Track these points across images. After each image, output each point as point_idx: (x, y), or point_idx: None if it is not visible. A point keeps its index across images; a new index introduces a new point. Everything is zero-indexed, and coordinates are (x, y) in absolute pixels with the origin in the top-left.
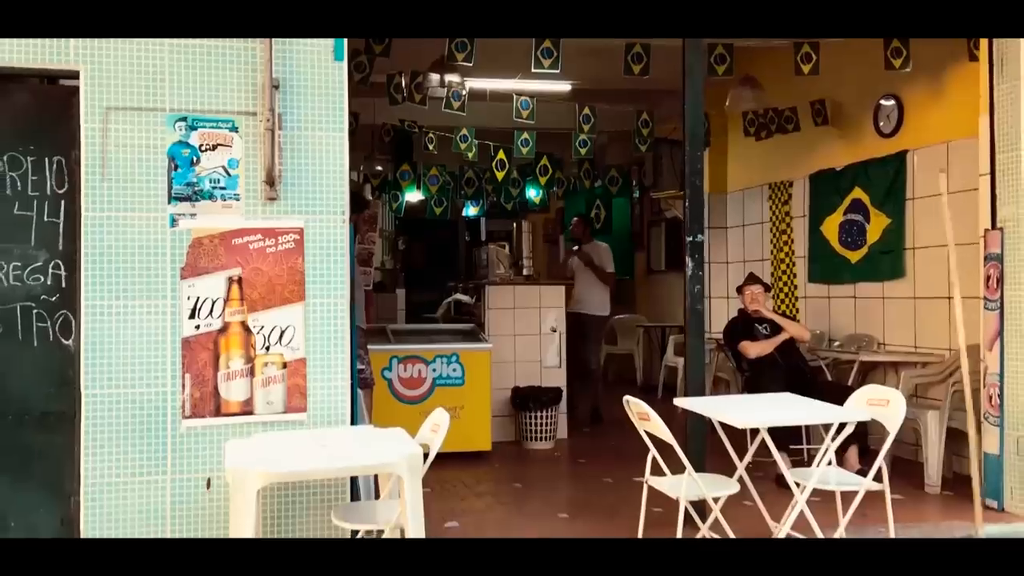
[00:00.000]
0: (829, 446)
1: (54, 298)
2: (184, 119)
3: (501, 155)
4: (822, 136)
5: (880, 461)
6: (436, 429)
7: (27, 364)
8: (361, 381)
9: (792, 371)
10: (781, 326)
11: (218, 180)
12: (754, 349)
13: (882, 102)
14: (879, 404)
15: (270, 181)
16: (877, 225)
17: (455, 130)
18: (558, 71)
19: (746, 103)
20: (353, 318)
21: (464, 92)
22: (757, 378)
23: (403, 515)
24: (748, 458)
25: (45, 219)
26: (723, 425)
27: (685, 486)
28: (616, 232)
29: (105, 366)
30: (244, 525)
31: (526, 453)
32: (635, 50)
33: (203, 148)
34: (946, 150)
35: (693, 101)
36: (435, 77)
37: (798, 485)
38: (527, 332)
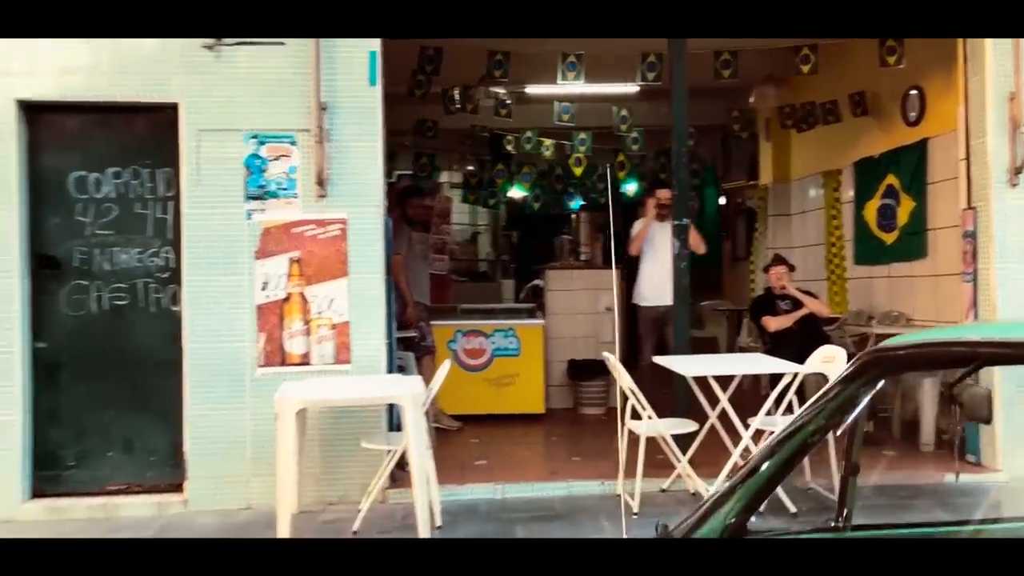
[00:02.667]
0: (771, 394)
1: (165, 275)
2: (255, 136)
3: (578, 152)
4: (866, 126)
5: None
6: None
7: (147, 325)
8: (422, 348)
9: (808, 342)
10: (802, 302)
11: (281, 183)
12: (773, 323)
13: (909, 92)
14: (828, 360)
15: (320, 182)
16: (905, 208)
17: (521, 131)
18: (581, 81)
19: (769, 100)
20: (391, 291)
21: (509, 101)
22: (775, 348)
23: (407, 438)
24: (721, 406)
25: (157, 216)
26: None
27: (645, 426)
28: (707, 221)
29: (202, 326)
30: (287, 440)
31: (578, 417)
32: (723, 56)
33: (270, 158)
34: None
35: (679, 100)
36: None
37: (746, 426)
38: (584, 311)
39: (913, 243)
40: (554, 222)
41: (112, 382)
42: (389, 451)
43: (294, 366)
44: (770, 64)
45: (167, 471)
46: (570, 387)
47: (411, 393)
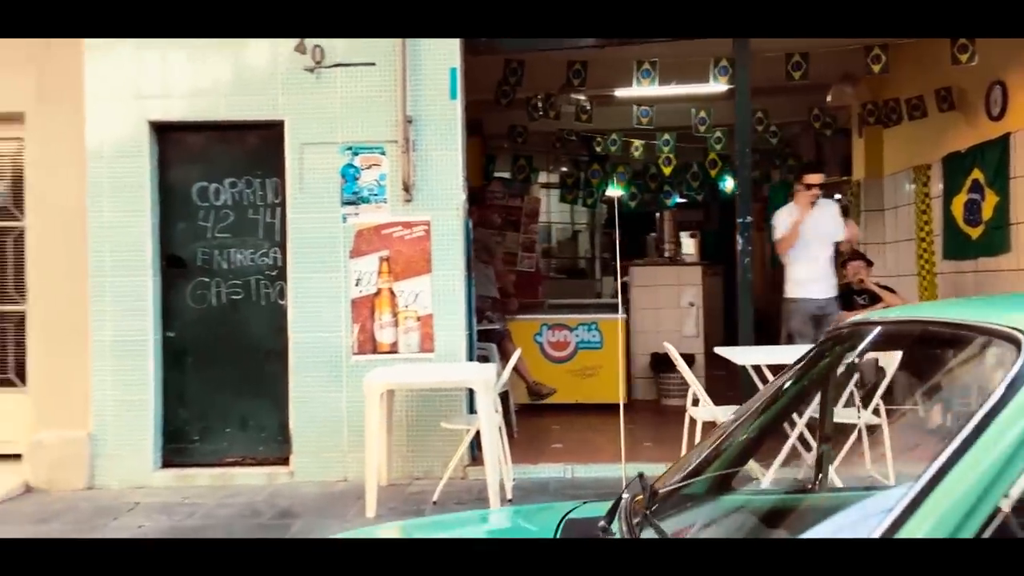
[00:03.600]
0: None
1: (273, 273)
2: (350, 148)
3: (663, 153)
4: (953, 120)
5: (877, 399)
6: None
7: (259, 317)
8: (495, 333)
9: None
10: (880, 297)
11: (373, 189)
12: (849, 318)
13: (992, 86)
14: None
15: (406, 188)
16: (990, 203)
17: (607, 133)
18: (655, 85)
19: (847, 98)
20: (471, 286)
21: (589, 107)
22: None
23: (479, 419)
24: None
25: (267, 220)
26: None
27: (702, 412)
28: None
29: (304, 318)
30: (373, 419)
31: (659, 408)
32: (794, 59)
33: (363, 167)
34: None
35: (742, 102)
36: (569, 96)
37: (800, 414)
38: (668, 306)
39: (997, 237)
40: (651, 220)
41: (229, 367)
42: (467, 430)
43: (384, 354)
44: (843, 63)
45: (276, 446)
46: (653, 379)
47: (482, 378)
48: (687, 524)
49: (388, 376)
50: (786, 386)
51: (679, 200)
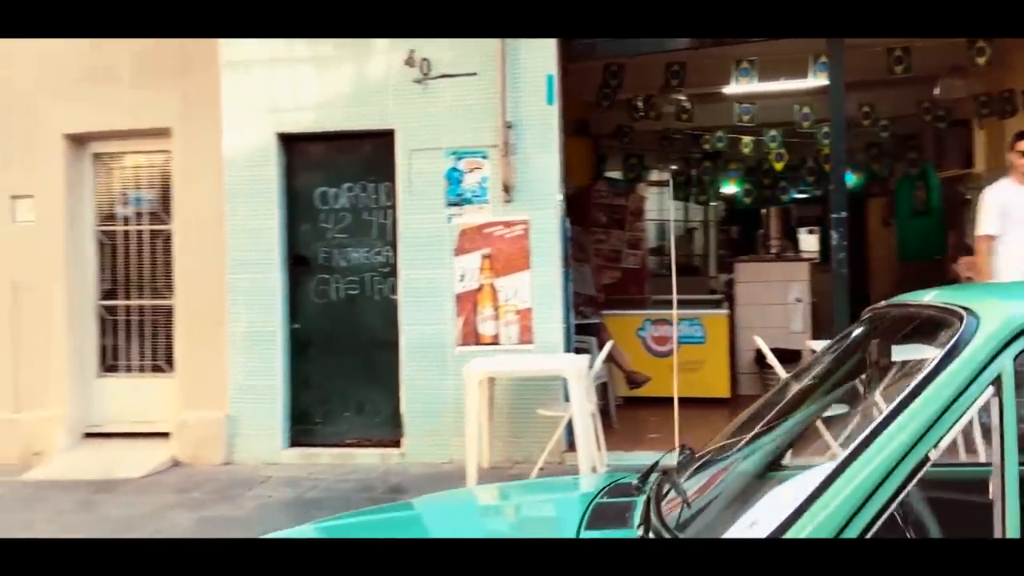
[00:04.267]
0: None
1: (386, 270)
2: (454, 153)
3: (771, 149)
4: None
5: None
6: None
7: (373, 311)
8: (593, 327)
9: None
10: None
11: (475, 191)
12: None
13: None
14: None
15: (506, 189)
16: None
17: (713, 131)
18: (754, 83)
19: (957, 91)
20: (568, 282)
21: (690, 107)
22: None
23: (573, 407)
24: None
25: (380, 221)
26: None
27: None
28: (935, 211)
29: (413, 312)
30: (472, 405)
31: None
32: (896, 53)
33: (466, 171)
34: None
35: (835, 99)
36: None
37: None
38: (773, 302)
39: None
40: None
41: (347, 356)
42: (561, 417)
43: (486, 345)
44: (948, 56)
45: (389, 429)
46: (758, 374)
47: (575, 368)
48: (701, 485)
49: (486, 365)
50: (820, 368)
51: (797, 195)
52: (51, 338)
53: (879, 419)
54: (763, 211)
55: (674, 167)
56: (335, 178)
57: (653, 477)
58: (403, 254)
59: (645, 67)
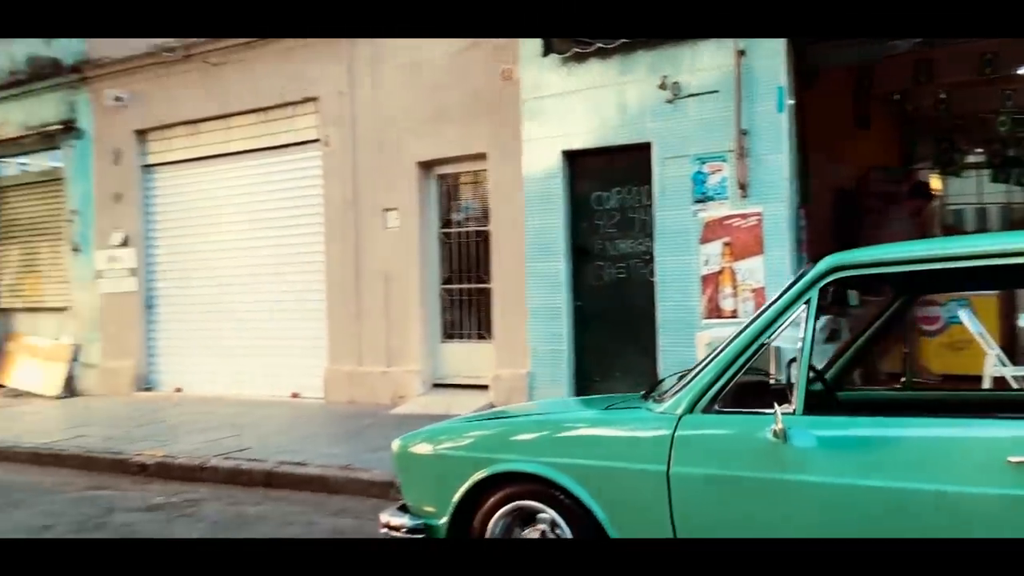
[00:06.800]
0: None
1: (646, 257)
2: (699, 158)
3: None
4: None
5: None
6: None
7: (636, 290)
8: None
9: None
10: None
11: (716, 189)
12: None
13: None
14: None
15: (742, 187)
16: None
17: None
18: None
19: None
20: (801, 265)
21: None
22: None
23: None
24: None
25: (641, 218)
26: None
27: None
28: None
29: (667, 291)
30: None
31: None
32: None
33: (709, 173)
34: None
35: None
36: None
37: None
38: None
39: None
40: None
41: (617, 327)
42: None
43: (726, 319)
44: None
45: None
46: None
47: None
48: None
49: (711, 332)
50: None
51: None
52: (409, 313)
53: (746, 321)
54: None
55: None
56: (606, 184)
57: None
58: (659, 244)
59: (956, 57)
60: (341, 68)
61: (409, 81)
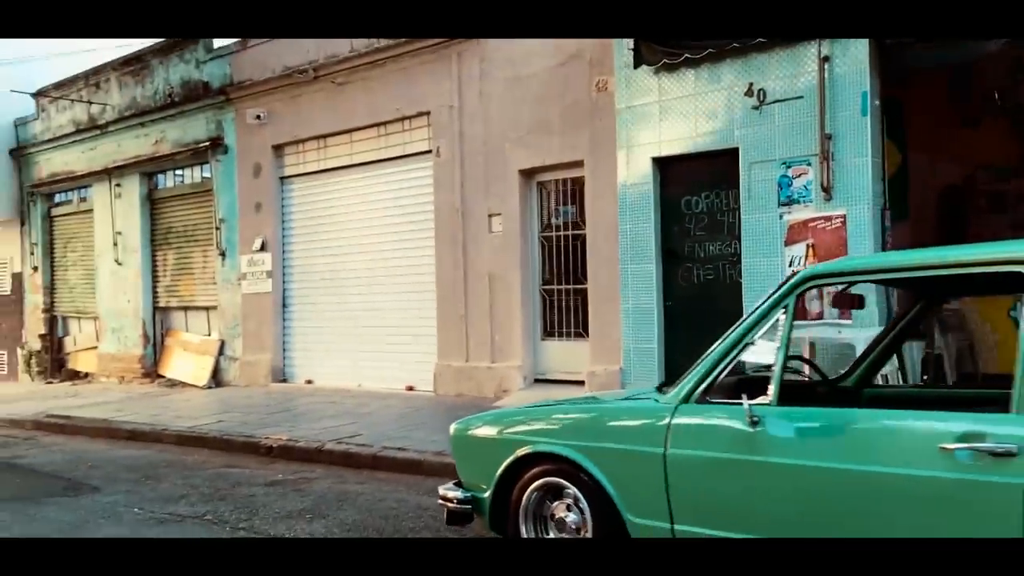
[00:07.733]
0: None
1: (733, 259)
2: (784, 162)
3: None
4: None
5: None
6: None
7: (724, 291)
8: None
9: None
10: None
11: (801, 192)
12: None
13: None
14: None
15: (826, 190)
16: None
17: None
18: None
19: None
20: None
21: None
22: None
23: None
24: None
25: (728, 221)
26: None
27: None
28: None
29: (754, 291)
30: None
31: None
32: None
33: (793, 176)
34: None
35: None
36: None
37: None
38: None
39: None
40: None
41: (705, 327)
42: None
43: (812, 320)
44: None
45: None
46: None
47: (863, 337)
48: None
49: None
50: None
51: None
52: (512, 313)
53: (735, 324)
54: None
55: None
56: (695, 188)
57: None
58: (745, 246)
59: None
60: (451, 84)
61: (512, 95)
